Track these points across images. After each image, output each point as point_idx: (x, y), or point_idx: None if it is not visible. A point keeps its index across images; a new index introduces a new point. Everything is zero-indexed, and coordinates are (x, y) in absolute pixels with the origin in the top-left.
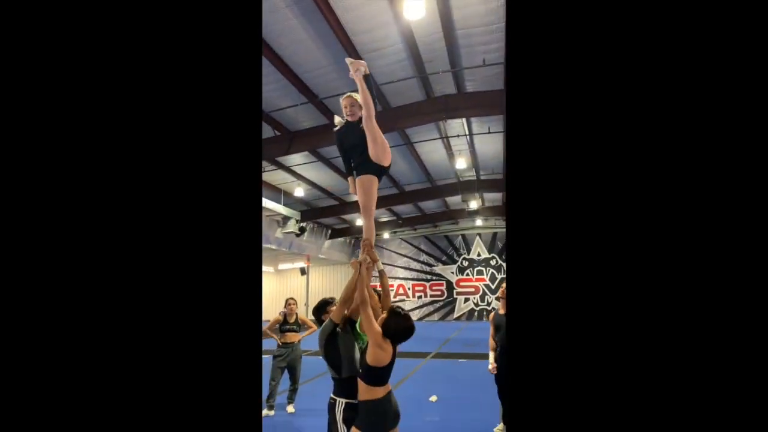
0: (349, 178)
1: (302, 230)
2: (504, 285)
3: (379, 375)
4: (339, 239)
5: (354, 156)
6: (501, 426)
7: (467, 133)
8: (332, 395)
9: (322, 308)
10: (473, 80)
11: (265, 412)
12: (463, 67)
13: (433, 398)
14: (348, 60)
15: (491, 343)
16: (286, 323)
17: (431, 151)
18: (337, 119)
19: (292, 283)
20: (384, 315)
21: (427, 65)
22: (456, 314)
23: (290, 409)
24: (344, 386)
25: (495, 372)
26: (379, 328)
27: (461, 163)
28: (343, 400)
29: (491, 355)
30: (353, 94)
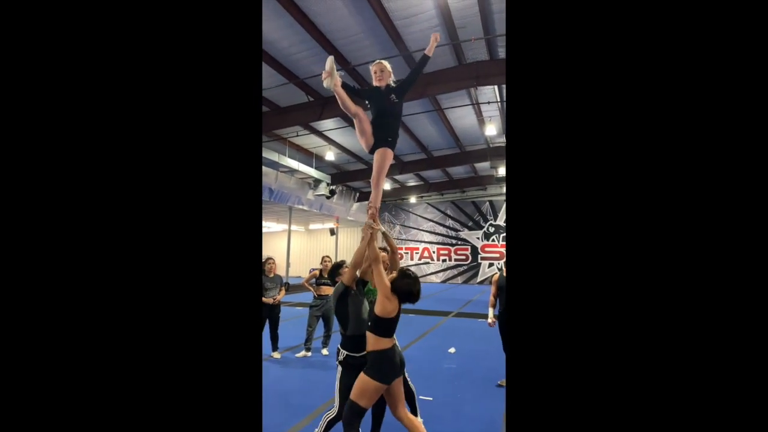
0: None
1: (332, 193)
2: None
3: (386, 326)
4: (366, 202)
5: (375, 123)
6: (505, 381)
7: (498, 99)
8: (338, 346)
9: (335, 270)
10: (505, 46)
11: (302, 353)
12: (496, 33)
13: (452, 350)
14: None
15: (491, 300)
16: (322, 278)
17: (461, 117)
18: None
19: (321, 242)
20: (395, 274)
21: (459, 32)
22: (480, 278)
23: (324, 351)
24: (348, 341)
25: (494, 326)
26: (388, 283)
27: (491, 129)
28: (345, 352)
29: (490, 311)
30: (383, 61)
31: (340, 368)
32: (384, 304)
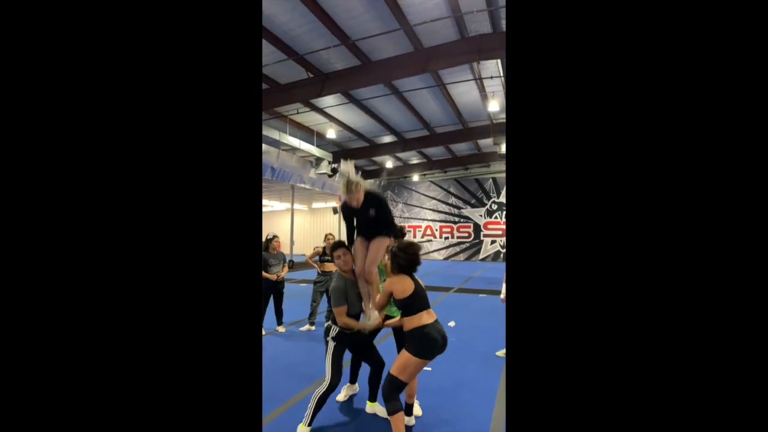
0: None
1: (334, 171)
2: None
3: (409, 303)
4: (369, 180)
5: (365, 227)
6: (503, 351)
7: (501, 74)
8: (329, 323)
9: (336, 248)
10: None
11: (306, 327)
12: (499, 5)
13: (452, 323)
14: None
15: (505, 275)
16: (325, 254)
17: (464, 92)
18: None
19: (325, 220)
20: (387, 260)
21: (462, 2)
22: (482, 255)
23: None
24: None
25: (505, 301)
26: (389, 286)
27: (494, 105)
28: (338, 327)
29: (504, 286)
30: (347, 181)
31: (332, 344)
32: (394, 289)
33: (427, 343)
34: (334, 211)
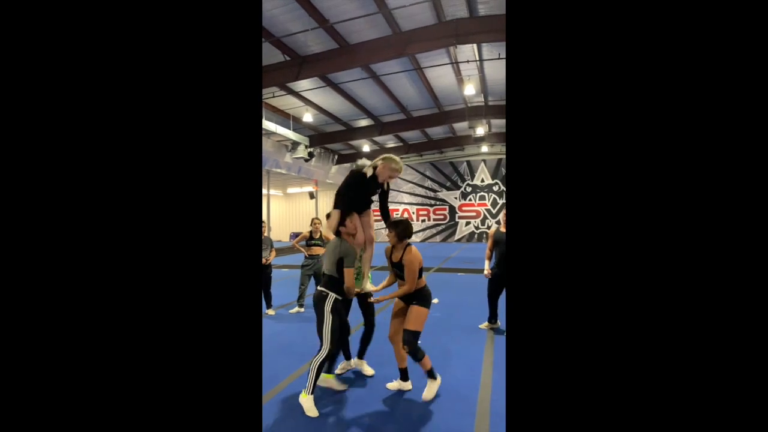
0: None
1: (311, 155)
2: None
3: (421, 270)
4: (346, 165)
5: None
6: (486, 324)
7: (477, 58)
8: (324, 289)
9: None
10: (485, 3)
11: (296, 309)
12: None
13: (435, 300)
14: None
15: (487, 253)
16: (312, 239)
17: (440, 76)
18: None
19: (301, 206)
20: (392, 234)
21: None
22: (457, 236)
23: None
24: (338, 285)
25: (489, 276)
26: (415, 268)
27: (470, 89)
28: (335, 295)
29: (486, 263)
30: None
31: (330, 316)
32: (419, 257)
33: (429, 297)
34: (311, 195)
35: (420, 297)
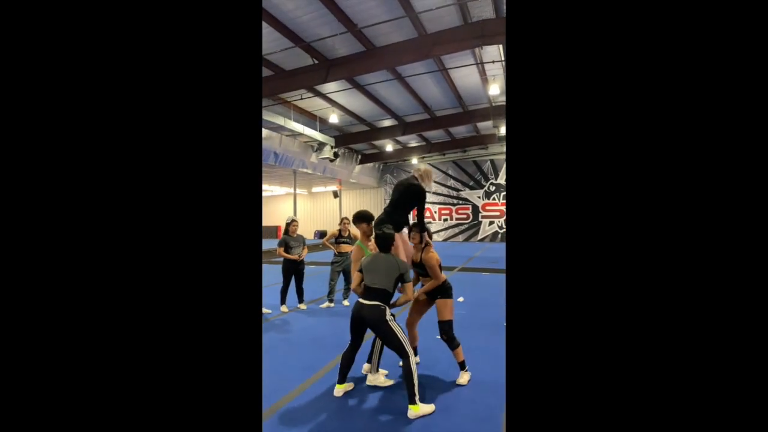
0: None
1: (336, 155)
2: None
3: (440, 266)
4: (368, 164)
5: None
6: None
7: (502, 58)
8: (380, 303)
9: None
10: None
11: (326, 304)
12: None
13: (461, 299)
14: None
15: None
16: (341, 237)
17: (465, 75)
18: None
19: (325, 205)
20: (417, 235)
21: None
22: (480, 236)
23: (346, 303)
24: (390, 298)
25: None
26: (433, 263)
27: (495, 88)
28: (387, 307)
29: None
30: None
31: (395, 325)
32: (437, 256)
33: (450, 288)
34: (335, 194)
35: (443, 290)
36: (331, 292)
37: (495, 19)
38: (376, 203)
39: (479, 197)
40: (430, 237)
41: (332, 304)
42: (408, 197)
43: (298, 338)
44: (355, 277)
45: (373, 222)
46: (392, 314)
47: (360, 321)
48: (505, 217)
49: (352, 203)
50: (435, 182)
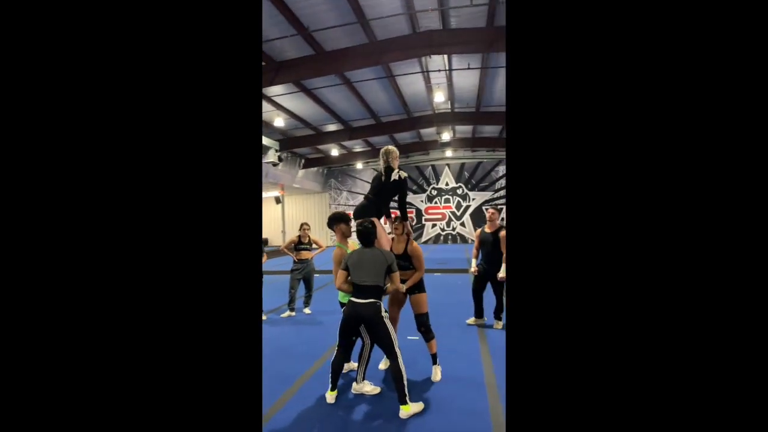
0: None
1: (280, 159)
2: (490, 209)
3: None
4: (312, 169)
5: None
6: (473, 319)
7: (447, 68)
8: (377, 300)
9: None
10: (457, 17)
11: (287, 313)
12: (449, 5)
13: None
14: None
15: (474, 252)
16: (301, 243)
17: (411, 83)
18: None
19: (268, 211)
20: (400, 227)
21: (416, 1)
22: (424, 238)
23: (307, 311)
24: (382, 294)
25: (476, 274)
26: (420, 254)
27: (439, 96)
28: (382, 303)
29: (473, 261)
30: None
31: (390, 324)
32: (411, 247)
33: (422, 282)
34: (277, 200)
35: (420, 285)
36: (291, 301)
37: (442, 30)
38: (320, 209)
39: (422, 201)
40: (412, 228)
41: (293, 313)
42: (391, 185)
43: (265, 350)
44: (339, 275)
45: (354, 210)
46: (385, 310)
47: (356, 321)
48: (446, 220)
49: (296, 209)
50: None
